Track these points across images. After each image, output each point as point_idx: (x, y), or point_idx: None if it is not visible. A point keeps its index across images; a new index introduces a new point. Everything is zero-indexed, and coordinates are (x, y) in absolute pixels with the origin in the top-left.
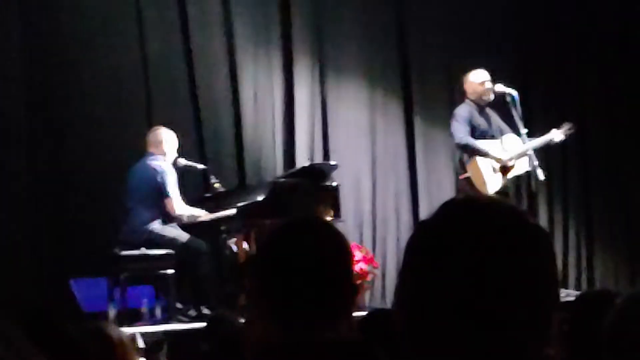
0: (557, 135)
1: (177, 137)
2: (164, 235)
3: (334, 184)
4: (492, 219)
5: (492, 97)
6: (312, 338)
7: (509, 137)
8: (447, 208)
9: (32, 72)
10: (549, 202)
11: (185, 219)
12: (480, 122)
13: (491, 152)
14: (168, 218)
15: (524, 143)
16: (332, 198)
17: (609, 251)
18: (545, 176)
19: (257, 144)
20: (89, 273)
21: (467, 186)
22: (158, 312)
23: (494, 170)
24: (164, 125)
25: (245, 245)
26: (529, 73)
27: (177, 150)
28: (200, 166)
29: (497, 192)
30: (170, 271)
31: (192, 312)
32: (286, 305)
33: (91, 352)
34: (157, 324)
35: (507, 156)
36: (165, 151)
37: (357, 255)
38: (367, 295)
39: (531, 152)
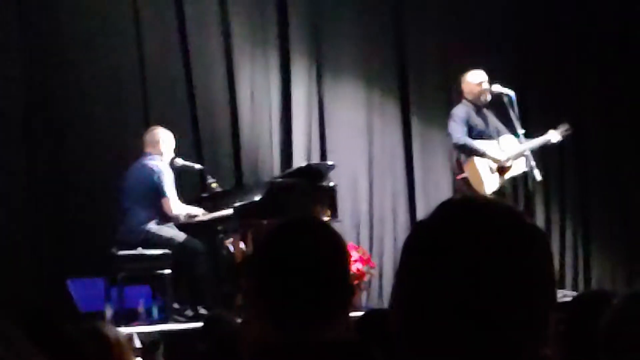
0: (554, 136)
1: (174, 137)
2: (161, 235)
3: (331, 184)
4: (489, 219)
5: (489, 97)
6: (308, 338)
7: (506, 137)
8: (444, 208)
9: (31, 72)
10: (546, 203)
11: (182, 219)
12: (478, 122)
13: (489, 153)
14: (165, 218)
15: (521, 143)
16: (329, 198)
17: (606, 252)
18: (542, 176)
19: (254, 144)
20: (86, 273)
21: (464, 186)
22: (155, 312)
23: (492, 170)
24: (161, 125)
25: (242, 245)
26: (527, 73)
27: (174, 150)
28: (197, 166)
29: (494, 193)
30: (167, 271)
31: (189, 312)
32: (283, 306)
33: (88, 352)
34: (153, 324)
35: (504, 156)
36: (162, 151)
37: (354, 255)
38: (363, 296)
39: (528, 153)
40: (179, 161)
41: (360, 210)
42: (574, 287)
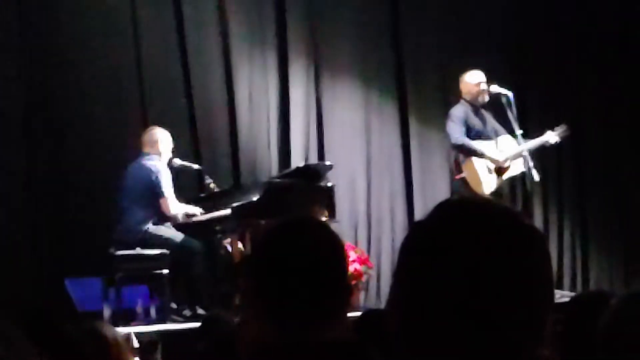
0: (551, 137)
1: (172, 137)
2: (158, 235)
3: (329, 184)
4: (487, 219)
5: (487, 98)
6: (306, 338)
7: (504, 138)
8: (442, 209)
9: (31, 72)
10: (544, 203)
11: (180, 219)
12: (476, 122)
13: (487, 153)
14: (163, 218)
15: (519, 144)
16: (327, 198)
17: (604, 252)
18: (540, 177)
19: (252, 144)
20: (85, 273)
21: (462, 186)
22: (153, 312)
23: (490, 171)
24: (159, 125)
25: (240, 245)
26: (526, 73)
27: (172, 150)
28: (195, 166)
29: (492, 193)
30: (165, 271)
31: (187, 312)
32: (281, 306)
33: (87, 351)
34: (151, 323)
35: (502, 157)
36: (160, 151)
37: (352, 255)
38: (361, 296)
39: (526, 154)
40: (177, 161)
41: (358, 210)
42: (572, 288)
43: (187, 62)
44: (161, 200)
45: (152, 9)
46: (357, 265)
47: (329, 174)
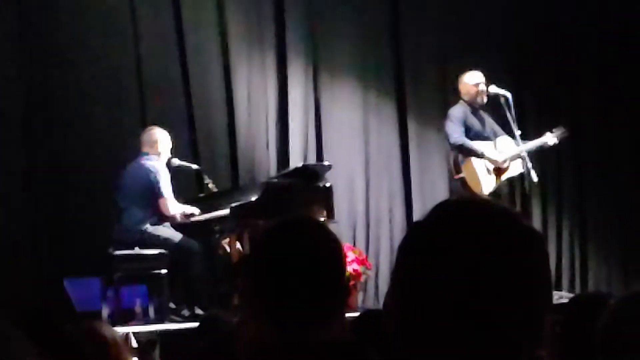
0: (550, 138)
1: (171, 137)
2: (157, 235)
3: (328, 184)
4: (486, 220)
5: (485, 99)
6: (305, 338)
7: (503, 139)
8: (441, 209)
9: (31, 72)
10: (542, 204)
11: (179, 219)
12: (474, 123)
13: (487, 153)
14: (162, 218)
15: (517, 145)
16: (325, 199)
17: (603, 253)
18: (538, 178)
19: (250, 144)
20: (84, 273)
21: (461, 187)
22: (151, 311)
23: (489, 171)
24: (158, 125)
25: (238, 245)
26: (525, 73)
27: (171, 150)
28: (194, 166)
29: (491, 194)
30: (164, 271)
31: (185, 312)
32: (279, 306)
33: (85, 351)
34: (150, 323)
35: (501, 158)
36: (159, 151)
37: (350, 256)
38: (360, 296)
39: (525, 154)
40: (176, 161)
41: (357, 210)
42: (571, 289)
43: (186, 62)
44: (160, 200)
45: (151, 9)
46: (355, 266)
47: (328, 174)
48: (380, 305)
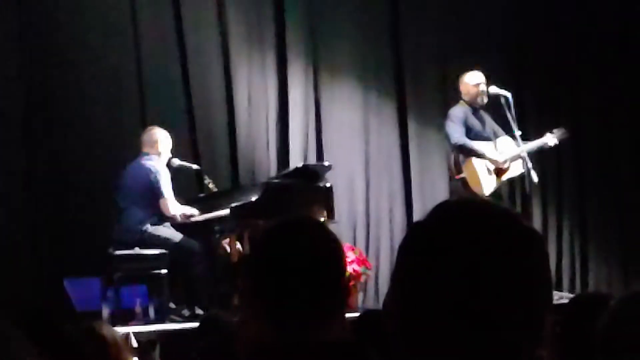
0: (550, 139)
1: (171, 137)
2: (157, 235)
3: (328, 184)
4: (486, 220)
5: (486, 99)
6: (305, 338)
7: (503, 139)
8: (441, 209)
9: (31, 72)
10: (543, 205)
11: (179, 219)
12: (475, 123)
13: (487, 154)
14: (162, 218)
15: (518, 146)
16: (325, 199)
17: (603, 253)
18: (539, 178)
19: (250, 144)
20: (84, 273)
21: (461, 187)
22: (151, 311)
23: (489, 171)
24: (158, 125)
25: (238, 245)
26: (525, 74)
27: (171, 150)
28: (194, 166)
29: (491, 194)
30: (164, 271)
31: (186, 312)
32: (279, 306)
33: (85, 351)
34: (150, 323)
35: (502, 158)
36: (159, 151)
37: (351, 256)
38: (360, 296)
39: (525, 155)
40: (176, 161)
41: (357, 211)
42: (571, 289)
43: (186, 62)
44: (160, 201)
45: (151, 9)
46: (355, 266)
47: (328, 175)
48: (380, 305)
